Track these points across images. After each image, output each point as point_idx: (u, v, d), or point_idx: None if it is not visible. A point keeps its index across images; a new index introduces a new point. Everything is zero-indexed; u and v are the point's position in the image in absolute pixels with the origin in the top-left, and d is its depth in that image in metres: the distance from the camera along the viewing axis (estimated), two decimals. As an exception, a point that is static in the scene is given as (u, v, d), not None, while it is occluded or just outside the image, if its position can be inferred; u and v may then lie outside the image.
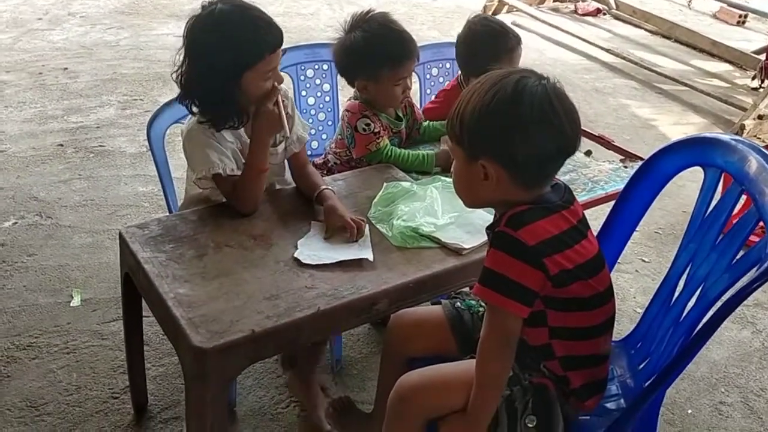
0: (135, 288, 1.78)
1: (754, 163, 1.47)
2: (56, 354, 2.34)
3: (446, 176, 2.05)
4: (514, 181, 1.37)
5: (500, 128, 1.34)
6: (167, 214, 2.08)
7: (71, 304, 2.56)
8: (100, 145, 3.70)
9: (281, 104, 1.83)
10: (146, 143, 3.59)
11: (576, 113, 1.38)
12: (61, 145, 3.68)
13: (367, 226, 1.83)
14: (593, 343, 1.47)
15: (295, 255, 1.70)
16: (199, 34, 1.77)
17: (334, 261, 1.69)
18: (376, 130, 2.17)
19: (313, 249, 1.72)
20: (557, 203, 1.41)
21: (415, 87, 2.38)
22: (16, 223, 3.02)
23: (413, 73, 2.25)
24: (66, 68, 4.63)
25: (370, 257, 1.71)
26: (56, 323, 2.47)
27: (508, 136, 1.34)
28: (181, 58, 1.81)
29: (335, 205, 1.85)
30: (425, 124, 2.42)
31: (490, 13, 5.84)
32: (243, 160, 1.87)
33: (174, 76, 1.82)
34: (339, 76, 2.46)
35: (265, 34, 1.78)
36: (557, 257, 1.35)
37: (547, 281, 1.35)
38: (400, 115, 2.32)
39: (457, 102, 1.40)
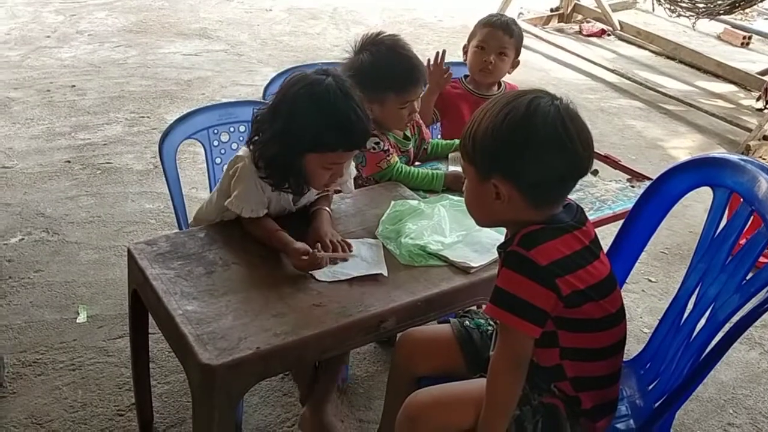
0: (142, 304, 1.78)
1: (763, 183, 1.48)
2: (62, 371, 2.33)
3: (454, 194, 2.05)
4: (526, 200, 1.38)
5: (512, 148, 1.35)
6: (175, 230, 2.08)
7: (77, 321, 2.56)
8: (107, 162, 3.71)
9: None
10: (153, 160, 3.65)
11: (589, 134, 1.39)
12: (69, 162, 3.69)
13: (381, 241, 1.83)
14: (605, 364, 1.46)
15: (310, 271, 1.70)
16: (293, 97, 1.74)
17: (350, 277, 1.69)
18: (385, 148, 2.17)
19: (330, 266, 1.73)
20: (569, 223, 1.41)
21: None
22: (22, 239, 3.03)
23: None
24: (74, 85, 4.65)
25: (385, 272, 1.71)
26: (62, 340, 2.46)
27: (520, 156, 1.35)
28: (270, 101, 1.80)
29: (320, 226, 1.84)
30: (433, 142, 2.43)
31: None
32: (272, 206, 1.86)
33: (255, 113, 1.82)
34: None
35: (349, 133, 1.75)
36: (569, 278, 1.35)
37: (558, 302, 1.34)
38: (408, 135, 2.33)
39: (470, 121, 1.41)
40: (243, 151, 1.87)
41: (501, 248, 1.44)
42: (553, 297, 1.34)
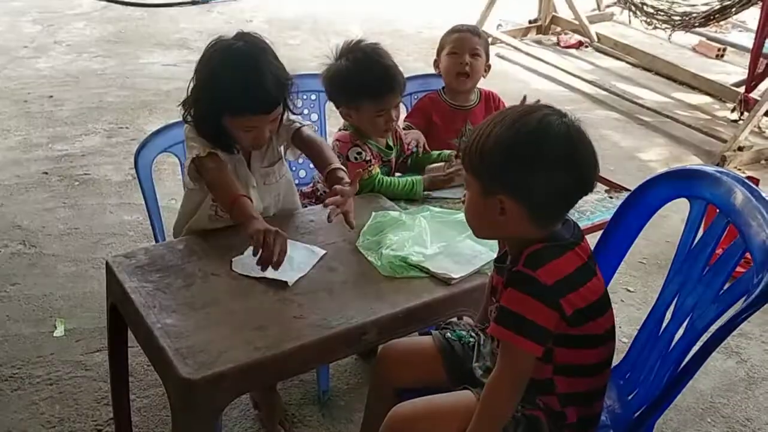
0: (121, 318, 1.76)
1: (739, 195, 1.49)
2: (39, 385, 2.30)
3: (435, 206, 2.06)
4: (530, 216, 1.37)
5: (522, 165, 1.33)
6: (153, 243, 2.07)
7: (54, 335, 2.53)
8: (85, 174, 3.68)
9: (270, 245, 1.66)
10: (131, 172, 3.62)
11: (594, 151, 1.38)
12: (46, 173, 3.66)
13: (321, 254, 1.80)
14: (594, 379, 1.47)
15: (233, 259, 1.73)
16: (207, 59, 1.79)
17: (258, 275, 1.68)
18: (367, 158, 2.18)
19: (251, 260, 1.70)
20: (570, 240, 1.41)
21: (402, 116, 2.40)
22: (-2, 251, 2.99)
23: (401, 104, 2.27)
24: (51, 96, 4.62)
25: (290, 282, 1.68)
26: (39, 354, 2.43)
27: (529, 173, 1.33)
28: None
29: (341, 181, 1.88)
30: (413, 156, 2.43)
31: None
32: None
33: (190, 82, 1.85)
34: (327, 107, 2.48)
35: (250, 98, 1.75)
36: (572, 296, 1.35)
37: (561, 321, 1.35)
38: (391, 144, 2.33)
39: (477, 134, 1.38)
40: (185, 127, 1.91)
41: (499, 263, 1.44)
42: (557, 316, 1.34)
